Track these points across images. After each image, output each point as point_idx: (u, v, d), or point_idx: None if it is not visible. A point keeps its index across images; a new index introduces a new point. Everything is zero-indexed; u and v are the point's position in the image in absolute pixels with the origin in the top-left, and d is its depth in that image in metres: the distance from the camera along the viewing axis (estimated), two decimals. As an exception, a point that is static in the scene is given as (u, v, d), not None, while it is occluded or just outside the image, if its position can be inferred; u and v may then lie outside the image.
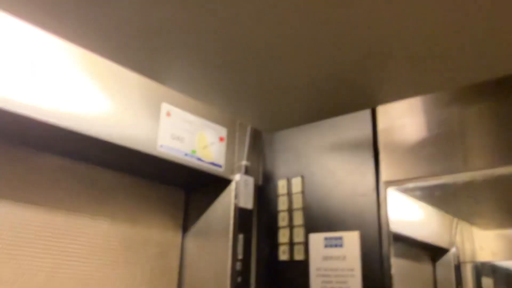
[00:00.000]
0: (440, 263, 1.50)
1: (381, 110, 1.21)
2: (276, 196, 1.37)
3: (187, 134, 1.22)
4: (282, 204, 1.34)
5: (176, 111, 1.20)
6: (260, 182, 1.42)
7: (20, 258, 1.01)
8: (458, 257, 1.49)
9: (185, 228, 1.41)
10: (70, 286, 1.09)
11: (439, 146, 1.09)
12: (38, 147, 1.09)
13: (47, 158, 1.11)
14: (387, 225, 1.13)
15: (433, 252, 1.50)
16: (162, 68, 0.97)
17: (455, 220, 1.55)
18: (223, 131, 1.33)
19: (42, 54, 0.94)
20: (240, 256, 1.24)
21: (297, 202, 1.31)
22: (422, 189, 1.18)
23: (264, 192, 1.40)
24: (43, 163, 1.10)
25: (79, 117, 0.98)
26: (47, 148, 1.10)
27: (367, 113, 1.23)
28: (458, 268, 1.47)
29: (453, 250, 1.48)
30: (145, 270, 1.27)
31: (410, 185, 1.13)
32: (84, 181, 1.18)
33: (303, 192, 1.31)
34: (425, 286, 1.49)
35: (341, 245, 1.18)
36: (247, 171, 1.36)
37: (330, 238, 1.20)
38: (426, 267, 1.51)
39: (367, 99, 1.09)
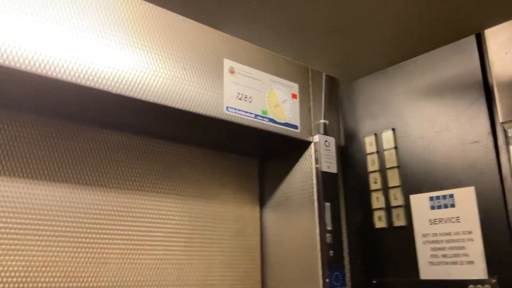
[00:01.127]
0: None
1: (490, 35, 0.98)
2: (363, 155, 1.18)
3: (254, 93, 1.06)
4: (371, 164, 1.16)
5: (240, 67, 1.05)
6: (343, 142, 1.24)
7: (88, 245, 0.92)
8: None
9: (262, 201, 1.27)
10: (143, 273, 0.99)
11: None
12: (94, 121, 0.98)
13: (105, 134, 1.00)
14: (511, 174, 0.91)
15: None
16: (223, 11, 0.81)
17: None
18: (295, 87, 1.15)
19: (89, 10, 0.81)
20: (329, 227, 1.08)
21: (390, 160, 1.11)
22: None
23: (349, 153, 1.22)
24: (102, 140, 1.00)
25: (133, 82, 0.85)
26: (104, 122, 0.99)
27: (470, 42, 1.00)
28: None
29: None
30: (223, 249, 1.15)
31: (539, 122, 0.90)
32: (148, 156, 1.07)
33: (396, 147, 1.11)
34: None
35: (452, 205, 0.98)
36: (326, 131, 1.18)
37: (437, 198, 1.00)
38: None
39: (470, 23, 0.87)
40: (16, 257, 0.83)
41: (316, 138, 1.14)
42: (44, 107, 0.89)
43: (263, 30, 0.86)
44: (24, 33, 0.73)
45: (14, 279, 0.82)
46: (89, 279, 0.91)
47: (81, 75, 0.78)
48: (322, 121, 1.18)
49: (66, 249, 0.89)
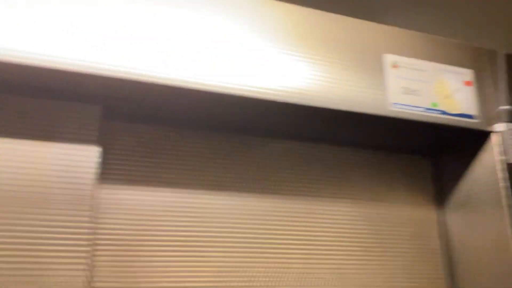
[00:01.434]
0: None
1: None
2: (562, 142, 1.01)
3: (422, 85, 0.99)
4: None
5: (404, 60, 0.99)
6: (533, 129, 1.08)
7: (270, 251, 0.96)
8: None
9: (439, 201, 1.17)
10: (324, 277, 0.99)
11: None
12: (266, 132, 1.03)
13: (276, 143, 1.04)
14: None
15: None
16: (384, 4, 0.78)
17: None
18: (468, 74, 1.04)
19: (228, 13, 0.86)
20: (526, 227, 0.94)
21: None
22: None
23: (542, 140, 1.05)
24: (273, 149, 1.04)
25: (298, 89, 0.86)
26: (274, 132, 1.03)
27: None
28: None
29: None
30: (402, 254, 1.09)
31: None
32: (314, 162, 1.07)
33: None
34: None
35: None
36: (510, 118, 1.04)
37: None
38: None
39: None
40: (207, 263, 0.90)
41: (500, 127, 1.01)
42: (218, 123, 0.96)
43: (425, 13, 0.79)
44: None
45: (206, 284, 0.89)
46: (273, 283, 0.94)
47: (249, 88, 0.82)
48: (505, 107, 1.05)
49: (251, 254, 0.94)
